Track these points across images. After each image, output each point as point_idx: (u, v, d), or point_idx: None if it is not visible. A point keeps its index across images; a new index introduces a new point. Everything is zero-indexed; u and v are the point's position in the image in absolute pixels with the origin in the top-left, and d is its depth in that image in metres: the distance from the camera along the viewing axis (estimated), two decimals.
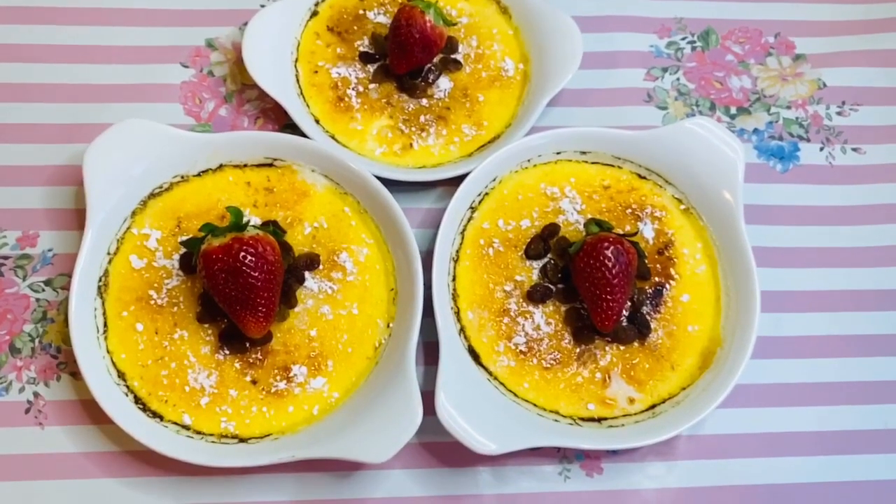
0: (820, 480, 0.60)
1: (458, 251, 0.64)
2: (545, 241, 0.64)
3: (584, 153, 0.68)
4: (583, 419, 0.59)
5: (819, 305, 0.66)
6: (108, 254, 0.61)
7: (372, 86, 0.72)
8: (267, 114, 0.72)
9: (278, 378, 0.59)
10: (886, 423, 0.62)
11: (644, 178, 0.67)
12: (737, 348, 0.59)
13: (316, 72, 0.72)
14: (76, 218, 0.66)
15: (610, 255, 0.58)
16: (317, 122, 0.70)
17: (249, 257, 0.55)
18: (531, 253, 0.64)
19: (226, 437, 0.57)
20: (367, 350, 0.60)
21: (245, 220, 0.58)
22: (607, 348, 0.61)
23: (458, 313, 0.61)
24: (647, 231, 0.65)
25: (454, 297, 0.62)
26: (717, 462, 0.60)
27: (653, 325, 0.62)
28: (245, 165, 0.66)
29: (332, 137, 0.69)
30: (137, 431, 0.55)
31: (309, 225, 0.64)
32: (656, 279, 0.64)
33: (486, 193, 0.66)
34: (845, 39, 0.80)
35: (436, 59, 0.73)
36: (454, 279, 0.63)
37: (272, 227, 0.61)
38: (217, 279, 0.55)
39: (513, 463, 0.59)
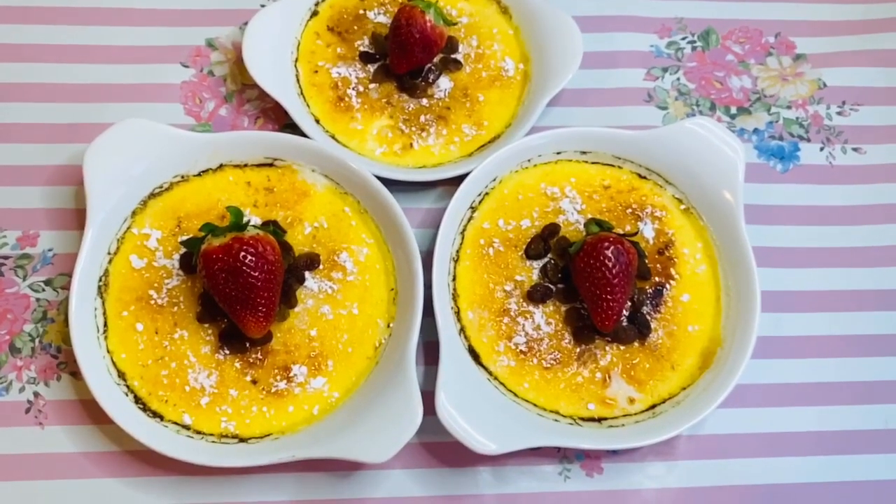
0: (820, 480, 0.60)
1: (458, 251, 0.64)
2: (545, 241, 0.64)
3: (584, 153, 0.68)
4: (583, 419, 0.59)
5: (819, 305, 0.66)
6: (109, 253, 0.61)
7: (372, 86, 0.72)
8: (267, 114, 0.72)
9: (278, 378, 0.59)
10: (886, 423, 0.62)
11: (644, 177, 0.67)
12: (737, 348, 0.59)
13: (316, 72, 0.72)
14: (76, 218, 0.66)
15: (610, 255, 0.58)
16: (317, 121, 0.70)
17: (249, 257, 0.55)
18: (531, 253, 0.64)
19: (226, 436, 0.57)
20: (367, 350, 0.60)
21: (245, 219, 0.58)
22: (607, 348, 0.61)
23: (458, 313, 0.61)
24: (648, 231, 0.65)
25: (454, 296, 0.62)
26: (718, 462, 0.60)
27: (653, 325, 0.62)
28: (245, 165, 0.66)
29: (333, 137, 0.69)
30: (137, 431, 0.55)
31: (309, 225, 0.64)
32: (656, 279, 0.64)
33: (487, 193, 0.66)
34: (845, 39, 0.80)
35: (436, 59, 0.73)
36: (454, 279, 0.63)
37: (272, 226, 0.61)
38: (217, 279, 0.55)
39: (513, 463, 0.59)
